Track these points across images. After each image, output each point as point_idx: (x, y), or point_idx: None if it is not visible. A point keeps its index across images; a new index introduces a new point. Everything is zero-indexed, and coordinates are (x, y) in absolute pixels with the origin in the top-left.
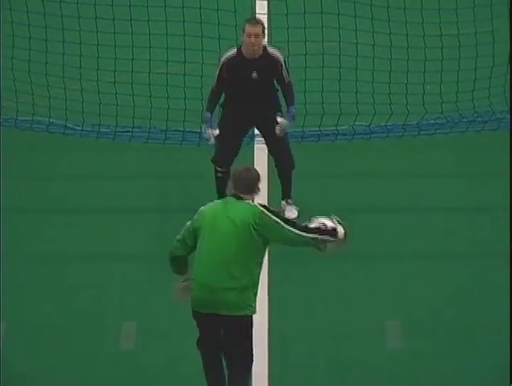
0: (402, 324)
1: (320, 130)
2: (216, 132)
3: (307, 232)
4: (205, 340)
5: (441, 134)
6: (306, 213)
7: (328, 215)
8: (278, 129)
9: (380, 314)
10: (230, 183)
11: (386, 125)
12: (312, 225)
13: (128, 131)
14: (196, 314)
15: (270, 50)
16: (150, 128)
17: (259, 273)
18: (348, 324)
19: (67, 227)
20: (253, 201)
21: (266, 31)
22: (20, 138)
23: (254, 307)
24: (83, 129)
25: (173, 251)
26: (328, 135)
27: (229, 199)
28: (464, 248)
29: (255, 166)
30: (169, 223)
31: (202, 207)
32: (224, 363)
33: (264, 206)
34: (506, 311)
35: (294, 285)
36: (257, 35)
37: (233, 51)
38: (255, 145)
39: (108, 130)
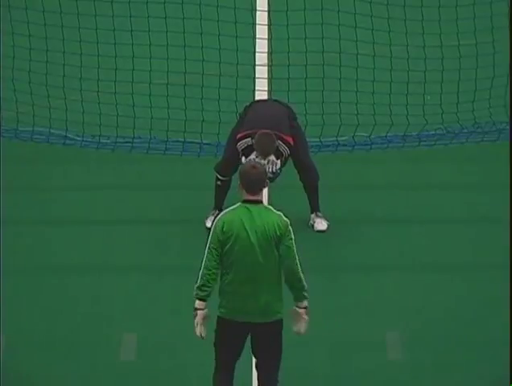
0: (402, 335)
1: (321, 141)
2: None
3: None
4: (228, 352)
5: (441, 145)
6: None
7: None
8: None
9: (380, 325)
10: (244, 184)
11: (386, 136)
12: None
13: (128, 142)
14: (227, 324)
15: None
16: (150, 138)
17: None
18: (348, 334)
19: (67, 239)
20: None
21: None
22: (20, 149)
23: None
24: (83, 140)
25: (212, 269)
26: (328, 146)
27: (250, 207)
28: (465, 260)
29: None
30: (170, 234)
31: (220, 217)
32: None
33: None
34: (506, 323)
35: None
36: None
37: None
38: None
39: (108, 141)
